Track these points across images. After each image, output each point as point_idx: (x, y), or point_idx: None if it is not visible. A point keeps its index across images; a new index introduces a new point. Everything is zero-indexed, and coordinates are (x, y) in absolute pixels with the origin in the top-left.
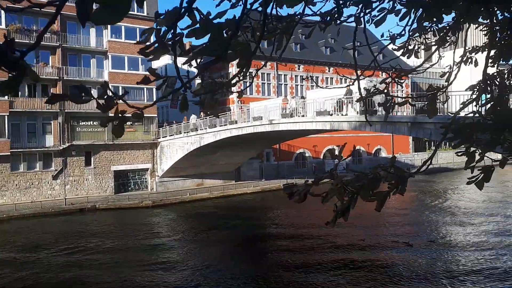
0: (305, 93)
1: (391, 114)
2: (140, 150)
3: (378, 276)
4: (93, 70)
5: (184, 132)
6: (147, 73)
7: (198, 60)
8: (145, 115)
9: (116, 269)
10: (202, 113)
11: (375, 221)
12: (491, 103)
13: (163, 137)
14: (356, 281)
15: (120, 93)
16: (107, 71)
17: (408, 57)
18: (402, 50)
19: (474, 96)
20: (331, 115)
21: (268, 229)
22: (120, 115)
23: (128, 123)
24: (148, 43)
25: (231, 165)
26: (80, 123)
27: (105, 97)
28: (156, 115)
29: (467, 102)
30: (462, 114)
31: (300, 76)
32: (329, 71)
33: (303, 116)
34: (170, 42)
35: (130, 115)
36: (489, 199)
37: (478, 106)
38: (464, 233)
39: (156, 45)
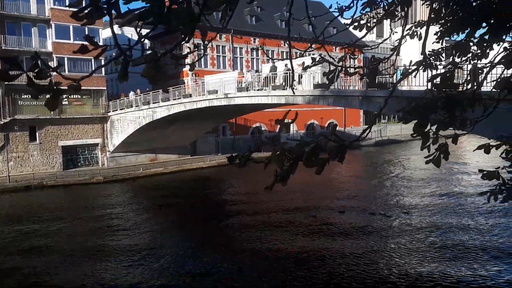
0: (260, 67)
1: (343, 87)
2: (89, 125)
3: (315, 232)
4: (34, 39)
5: (136, 106)
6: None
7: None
8: (93, 88)
9: (69, 239)
10: (138, 90)
11: (323, 188)
12: (439, 77)
13: (113, 111)
14: (297, 234)
15: (66, 66)
16: (51, 41)
17: (359, 31)
18: (354, 24)
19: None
20: (285, 89)
21: (223, 198)
22: (54, 87)
23: (75, 96)
24: (81, 7)
25: (186, 140)
26: (23, 96)
27: (37, 70)
28: (105, 88)
29: (403, 76)
30: (414, 89)
31: (256, 49)
32: (284, 45)
33: (258, 90)
34: (105, 6)
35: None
36: (432, 168)
37: (428, 82)
38: (408, 198)
39: (90, 8)
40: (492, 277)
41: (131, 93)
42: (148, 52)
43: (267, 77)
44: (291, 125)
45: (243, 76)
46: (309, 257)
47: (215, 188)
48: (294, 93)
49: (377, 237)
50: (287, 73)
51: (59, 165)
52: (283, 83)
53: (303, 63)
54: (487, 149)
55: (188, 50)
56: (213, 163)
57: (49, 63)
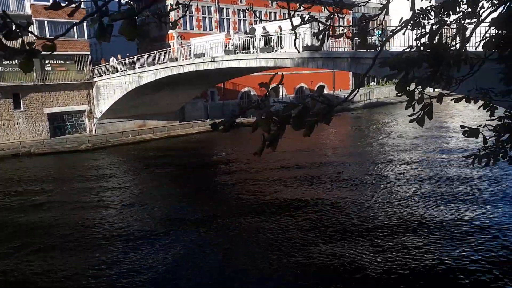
0: (248, 28)
1: (331, 49)
2: (75, 91)
3: (305, 185)
4: (12, 1)
5: (121, 71)
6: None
7: None
8: (76, 53)
9: (59, 208)
10: (119, 56)
11: (315, 152)
12: (427, 36)
13: (98, 76)
14: (285, 187)
15: (47, 30)
16: (29, 3)
17: None
18: None
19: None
20: (275, 51)
21: (214, 162)
22: (27, 47)
23: (58, 61)
24: None
25: (174, 105)
26: (4, 62)
27: (6, 30)
28: (88, 53)
29: (393, 33)
30: (401, 49)
31: (243, 10)
32: (272, 5)
33: (246, 52)
34: None
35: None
36: (419, 129)
37: (415, 41)
38: (399, 156)
39: None
40: (476, 218)
41: (112, 58)
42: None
43: (248, 40)
44: (280, 89)
45: (230, 39)
46: (293, 203)
47: (206, 153)
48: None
49: (372, 188)
50: (275, 35)
51: (46, 133)
52: (271, 46)
53: (280, 27)
54: (467, 99)
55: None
56: (203, 129)
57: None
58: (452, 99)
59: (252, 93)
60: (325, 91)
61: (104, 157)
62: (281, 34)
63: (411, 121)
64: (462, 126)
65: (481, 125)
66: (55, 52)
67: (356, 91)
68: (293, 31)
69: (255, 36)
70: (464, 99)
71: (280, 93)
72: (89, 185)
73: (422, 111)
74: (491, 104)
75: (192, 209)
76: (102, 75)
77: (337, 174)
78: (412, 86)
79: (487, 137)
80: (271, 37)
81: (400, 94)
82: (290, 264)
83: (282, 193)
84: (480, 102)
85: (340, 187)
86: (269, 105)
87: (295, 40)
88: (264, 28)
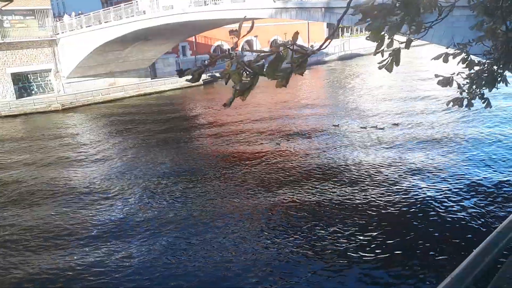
0: None
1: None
2: (38, 49)
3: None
4: None
5: (86, 27)
6: None
7: None
8: (36, 7)
9: (28, 166)
10: (73, 12)
11: (292, 104)
12: None
13: (62, 32)
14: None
15: None
16: None
17: None
18: None
19: None
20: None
21: (187, 119)
22: None
23: (17, 17)
24: None
25: (145, 61)
26: None
27: None
28: (49, 7)
29: None
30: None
31: None
32: None
33: (216, 4)
34: None
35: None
36: (395, 78)
37: None
38: (375, 105)
39: None
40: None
41: (65, 16)
42: None
43: None
44: (254, 41)
45: None
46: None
47: (179, 110)
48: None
49: (339, 138)
50: None
51: (12, 94)
52: None
53: None
54: (445, 58)
55: None
56: (176, 86)
57: None
58: (431, 59)
59: (225, 47)
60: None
61: (74, 117)
62: None
63: (380, 67)
64: (436, 75)
65: (454, 73)
66: (13, 7)
67: (329, 40)
68: None
69: None
70: (441, 58)
71: (254, 46)
72: (59, 146)
73: (390, 57)
74: (469, 59)
75: (165, 166)
76: (66, 31)
77: (306, 126)
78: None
79: (462, 84)
80: None
81: (368, 39)
82: (257, 204)
83: (252, 144)
84: (459, 59)
85: (309, 137)
86: (240, 55)
87: None
88: None
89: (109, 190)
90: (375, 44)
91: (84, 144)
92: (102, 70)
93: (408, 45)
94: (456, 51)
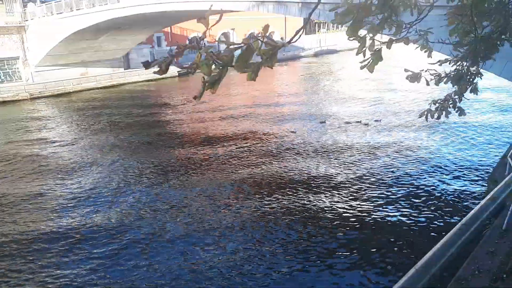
0: None
1: None
2: (5, 35)
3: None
4: None
5: (57, 13)
6: None
7: None
8: None
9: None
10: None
11: (266, 99)
12: None
13: (31, 19)
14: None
15: None
16: None
17: None
18: None
19: None
20: None
21: (163, 113)
22: None
23: None
24: None
25: (119, 51)
26: None
27: None
28: None
29: None
30: None
31: None
32: None
33: None
34: None
35: None
36: (368, 76)
37: None
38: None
39: None
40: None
41: (30, 3)
42: None
43: None
44: (231, 34)
45: None
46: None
47: (152, 102)
48: None
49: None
50: None
51: None
52: None
53: None
54: (406, 41)
55: None
56: (150, 77)
57: None
58: (384, 42)
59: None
60: (277, 37)
61: (44, 107)
62: None
63: (361, 67)
64: (406, 70)
65: (423, 70)
66: None
67: (300, 34)
68: None
69: None
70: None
71: (231, 39)
72: (26, 137)
73: (372, 58)
74: (428, 47)
75: (136, 158)
76: (35, 18)
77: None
78: (363, 32)
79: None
80: None
81: (351, 39)
82: (230, 177)
83: (226, 130)
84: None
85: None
86: (209, 46)
87: None
88: None
89: (74, 188)
90: (351, 40)
91: (51, 137)
92: (74, 59)
93: (389, 45)
94: (418, 38)
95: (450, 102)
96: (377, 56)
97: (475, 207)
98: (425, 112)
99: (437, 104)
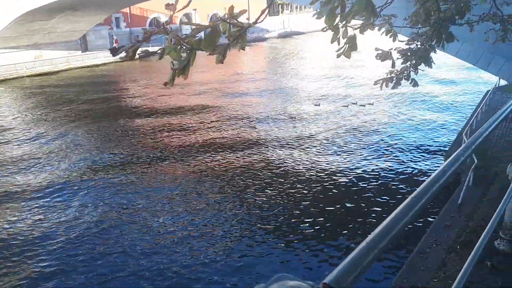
0: None
1: None
2: None
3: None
4: None
5: None
6: None
7: None
8: None
9: None
10: None
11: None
12: None
13: None
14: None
15: None
16: None
17: None
18: None
19: None
20: None
21: (124, 98)
22: None
23: None
24: None
25: (75, 33)
26: None
27: None
28: None
29: None
30: None
31: None
32: None
33: None
34: None
35: None
36: (335, 58)
37: None
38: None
39: None
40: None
41: None
42: None
43: None
44: (194, 15)
45: None
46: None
47: (112, 86)
48: None
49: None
50: None
51: None
52: None
53: None
54: (371, 26)
55: None
56: (109, 60)
57: None
58: (356, 28)
59: (162, 20)
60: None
61: None
62: None
63: (338, 55)
64: (376, 49)
65: (392, 48)
66: None
67: (266, 13)
68: None
69: None
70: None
71: (194, 20)
72: None
73: (347, 44)
74: (393, 31)
75: (99, 149)
76: None
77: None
78: (336, 20)
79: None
80: None
81: (326, 29)
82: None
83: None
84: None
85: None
86: (177, 29)
87: None
88: None
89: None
90: (325, 31)
91: (14, 123)
92: (26, 42)
93: (362, 30)
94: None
95: (404, 75)
96: (352, 43)
97: (427, 179)
98: (380, 81)
99: (392, 75)
